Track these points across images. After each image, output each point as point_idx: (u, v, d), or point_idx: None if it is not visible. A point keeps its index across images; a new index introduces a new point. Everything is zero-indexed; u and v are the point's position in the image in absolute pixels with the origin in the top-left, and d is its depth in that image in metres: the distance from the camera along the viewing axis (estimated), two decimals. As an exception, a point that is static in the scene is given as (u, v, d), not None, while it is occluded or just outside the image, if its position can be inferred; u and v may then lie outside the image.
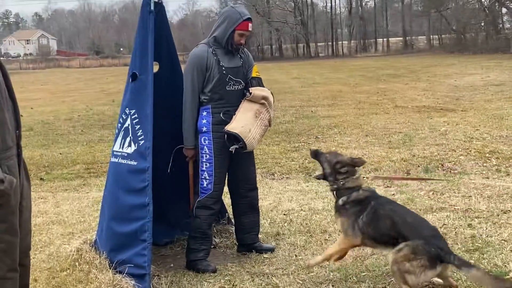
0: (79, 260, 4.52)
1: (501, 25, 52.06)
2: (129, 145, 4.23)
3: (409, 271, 3.62)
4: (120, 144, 4.32)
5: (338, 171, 4.10)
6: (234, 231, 5.11)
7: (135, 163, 4.18)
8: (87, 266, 4.40)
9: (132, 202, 4.18)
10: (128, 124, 4.28)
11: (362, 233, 3.95)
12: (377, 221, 3.90)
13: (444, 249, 3.67)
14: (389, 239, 3.82)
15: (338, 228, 4.48)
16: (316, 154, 4.29)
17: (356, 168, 4.16)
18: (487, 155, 8.31)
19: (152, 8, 4.30)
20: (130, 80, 4.34)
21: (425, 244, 3.64)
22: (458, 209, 5.81)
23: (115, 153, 4.37)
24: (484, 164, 7.80)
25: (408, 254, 3.64)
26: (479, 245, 4.77)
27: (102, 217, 4.60)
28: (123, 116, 4.34)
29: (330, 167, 4.14)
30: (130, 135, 4.25)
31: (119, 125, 4.38)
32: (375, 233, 3.91)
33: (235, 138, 4.33)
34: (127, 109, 4.31)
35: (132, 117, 4.26)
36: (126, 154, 4.25)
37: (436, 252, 3.62)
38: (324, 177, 4.21)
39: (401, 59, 46.15)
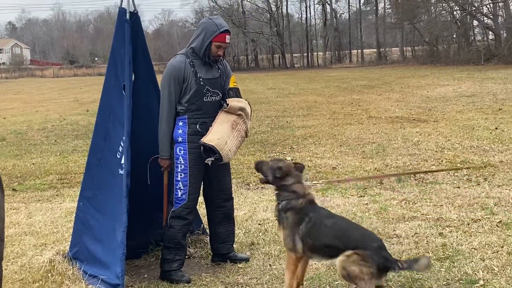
0: (52, 271, 4.50)
1: (472, 37, 52.98)
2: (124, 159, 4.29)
3: (359, 276, 3.67)
4: (124, 158, 4.33)
5: (277, 176, 4.09)
6: (209, 241, 5.11)
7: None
8: (60, 277, 4.38)
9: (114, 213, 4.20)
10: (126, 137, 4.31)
11: (303, 244, 3.93)
12: (318, 233, 3.89)
13: (389, 259, 3.75)
14: (335, 250, 3.80)
15: (280, 240, 4.44)
16: (258, 165, 4.26)
17: (299, 173, 4.16)
18: (458, 165, 8.46)
19: (127, 17, 4.33)
20: (124, 92, 4.34)
21: (374, 255, 3.69)
22: (429, 218, 5.91)
23: (123, 166, 4.36)
24: (455, 174, 7.94)
25: (357, 261, 3.68)
26: (449, 253, 4.85)
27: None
28: (127, 129, 4.33)
29: (271, 173, 4.12)
30: (125, 147, 4.30)
31: (125, 138, 4.34)
32: (316, 244, 3.89)
33: (211, 150, 4.35)
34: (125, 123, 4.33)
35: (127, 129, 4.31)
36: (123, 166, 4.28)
37: (383, 262, 3.70)
38: (267, 181, 4.19)
39: (375, 70, 46.65)
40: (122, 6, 4.42)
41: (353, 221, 5.84)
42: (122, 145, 4.35)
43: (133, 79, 4.65)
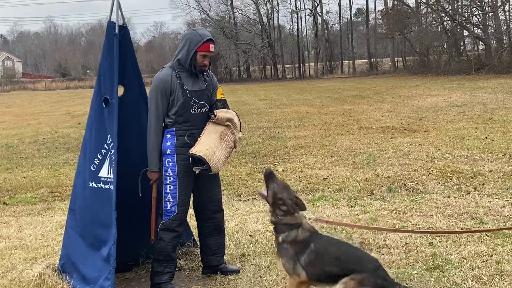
0: (42, 285, 4.49)
1: (463, 48, 53.33)
2: (109, 172, 4.28)
3: None
4: (108, 170, 4.33)
5: (279, 207, 3.98)
6: (199, 253, 5.12)
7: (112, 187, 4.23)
8: (50, 291, 4.36)
9: (102, 227, 4.21)
10: (109, 149, 4.32)
11: (306, 273, 3.85)
12: (320, 261, 3.84)
13: (388, 280, 3.71)
14: (334, 276, 3.75)
15: (280, 269, 4.41)
16: (268, 178, 4.07)
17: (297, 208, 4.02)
18: (448, 174, 8.51)
19: (116, 31, 4.36)
20: (104, 105, 4.36)
21: (371, 276, 3.64)
22: (419, 228, 5.93)
23: (102, 179, 4.37)
24: (446, 184, 7.98)
25: (355, 286, 3.63)
26: (439, 263, 4.88)
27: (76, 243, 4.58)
28: (107, 142, 4.35)
29: (272, 199, 4.00)
30: (109, 161, 4.29)
31: (103, 151, 4.37)
32: (319, 273, 3.83)
33: (199, 161, 4.37)
34: (109, 135, 4.34)
35: (108, 141, 4.31)
36: (112, 179, 4.27)
37: (381, 283, 3.65)
38: (267, 201, 4.06)
39: (366, 81, 46.87)
40: (112, 20, 4.46)
41: (343, 231, 5.92)
42: (99, 157, 4.37)
43: (122, 92, 4.68)
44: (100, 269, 4.13)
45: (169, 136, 4.55)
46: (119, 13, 4.49)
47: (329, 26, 78.36)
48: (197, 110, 4.60)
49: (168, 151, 4.54)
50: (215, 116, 4.58)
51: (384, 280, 3.69)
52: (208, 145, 4.43)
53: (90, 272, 4.20)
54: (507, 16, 49.12)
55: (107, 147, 4.37)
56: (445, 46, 53.37)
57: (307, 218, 4.04)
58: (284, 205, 3.96)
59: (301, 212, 4.02)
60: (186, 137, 4.53)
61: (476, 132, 12.70)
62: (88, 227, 4.43)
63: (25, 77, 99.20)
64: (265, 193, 4.04)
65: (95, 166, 4.43)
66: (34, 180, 10.18)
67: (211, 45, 4.57)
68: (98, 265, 4.15)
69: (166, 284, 4.59)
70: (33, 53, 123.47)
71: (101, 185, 4.38)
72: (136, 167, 4.73)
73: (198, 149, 4.39)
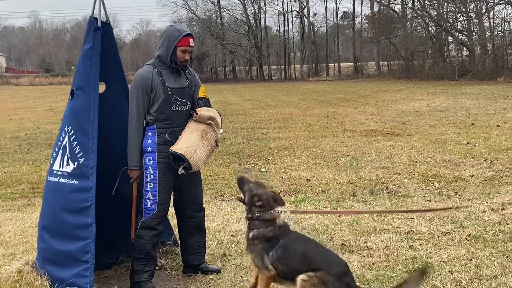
0: (20, 281, 4.42)
1: (447, 53, 53.79)
2: (67, 164, 4.20)
3: None
4: (60, 163, 4.27)
5: (254, 204, 4.02)
6: (180, 252, 5.09)
7: (76, 182, 4.15)
8: (28, 288, 4.31)
9: (74, 222, 4.14)
10: (66, 142, 4.24)
11: (274, 268, 3.87)
12: (287, 258, 3.85)
13: (351, 285, 3.68)
14: (300, 274, 3.73)
15: (249, 264, 4.42)
16: (240, 182, 4.17)
17: (275, 204, 4.06)
18: (430, 178, 8.57)
19: (98, 25, 4.30)
20: (70, 97, 4.33)
21: (335, 280, 3.62)
22: (400, 230, 5.96)
23: (55, 172, 4.32)
24: (427, 188, 8.04)
25: (317, 284, 3.62)
26: (419, 266, 4.91)
27: (40, 237, 4.52)
28: (62, 134, 4.30)
29: (248, 197, 4.06)
30: (68, 153, 4.22)
31: (59, 143, 4.34)
32: (286, 270, 3.84)
33: (180, 158, 4.35)
34: (66, 126, 4.28)
35: (69, 134, 4.23)
36: (66, 174, 4.21)
37: None
38: (243, 202, 4.13)
39: (351, 84, 47.05)
40: (94, 16, 4.40)
41: (325, 233, 5.94)
42: (56, 150, 4.33)
43: (104, 89, 4.64)
44: (77, 266, 4.08)
45: (150, 133, 4.52)
46: (102, 8, 4.44)
47: (316, 29, 78.54)
48: (178, 107, 4.57)
49: (149, 149, 4.51)
50: (197, 114, 4.56)
51: (348, 286, 3.65)
52: (189, 143, 4.41)
53: (66, 268, 4.15)
54: (492, 23, 49.65)
55: (62, 139, 4.30)
56: (429, 51, 53.85)
57: (283, 211, 4.05)
58: (259, 200, 4.00)
59: (278, 207, 4.04)
60: (167, 135, 4.51)
61: (458, 137, 12.80)
62: (53, 221, 4.36)
63: (8, 72, 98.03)
64: (242, 198, 4.12)
65: (52, 159, 4.39)
66: (15, 175, 10.07)
67: (191, 40, 4.55)
68: (75, 262, 4.10)
69: (146, 282, 4.56)
70: (17, 48, 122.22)
71: (53, 178, 4.33)
72: (117, 165, 4.68)
73: (178, 147, 4.37)
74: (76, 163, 4.17)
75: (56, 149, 4.36)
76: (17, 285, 4.39)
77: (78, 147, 4.17)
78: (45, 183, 4.53)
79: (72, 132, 4.22)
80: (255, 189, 4.07)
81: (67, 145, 4.24)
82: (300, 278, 3.70)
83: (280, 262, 3.86)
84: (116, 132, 4.75)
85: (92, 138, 4.13)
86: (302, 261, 3.79)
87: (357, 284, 3.90)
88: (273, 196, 4.07)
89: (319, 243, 4.22)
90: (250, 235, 4.02)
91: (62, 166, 4.24)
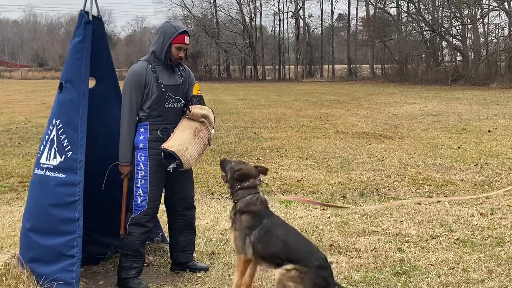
0: (6, 274, 4.39)
1: (441, 58, 53.99)
2: (55, 157, 4.17)
3: None
4: (47, 156, 4.24)
5: (235, 177, 4.16)
6: (168, 249, 5.08)
7: (63, 175, 4.12)
8: (14, 281, 4.28)
9: (60, 216, 4.11)
10: (54, 135, 4.21)
11: (253, 248, 3.95)
12: (269, 242, 3.89)
13: (329, 281, 3.69)
14: (278, 259, 3.80)
15: (231, 244, 4.51)
16: (223, 164, 4.36)
17: (258, 174, 4.23)
18: (420, 182, 8.60)
19: (89, 18, 4.28)
20: (58, 90, 4.30)
21: (313, 274, 3.63)
22: (389, 233, 5.98)
23: (41, 165, 4.29)
24: (417, 191, 8.06)
25: (295, 277, 3.64)
26: (406, 268, 4.92)
27: (23, 229, 4.50)
28: (50, 127, 4.28)
29: (230, 174, 4.20)
30: (55, 146, 4.19)
31: (46, 136, 4.31)
32: (265, 252, 3.90)
33: (171, 156, 4.33)
34: (54, 120, 4.26)
35: (58, 127, 4.20)
36: (52, 167, 4.18)
37: (322, 283, 3.64)
38: (226, 181, 4.27)
39: (345, 86, 47.12)
40: (86, 10, 4.37)
41: (314, 233, 5.94)
42: (44, 143, 4.31)
43: (94, 84, 4.61)
44: (62, 261, 4.06)
45: (142, 130, 4.51)
46: (94, 3, 4.41)
47: (311, 30, 78.60)
48: (171, 104, 4.56)
49: (141, 145, 4.49)
50: (190, 111, 4.55)
51: (325, 281, 3.67)
52: (181, 140, 4.40)
53: (51, 263, 4.12)
54: (486, 29, 49.90)
55: (49, 132, 4.27)
56: (423, 56, 53.99)
57: (270, 186, 4.19)
58: (240, 173, 4.15)
59: (261, 176, 4.23)
60: (159, 131, 4.49)
61: (449, 142, 12.85)
62: (38, 215, 4.34)
63: (1, 65, 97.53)
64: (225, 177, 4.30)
65: (39, 152, 4.37)
66: (5, 169, 10.02)
67: (186, 37, 4.53)
68: (60, 257, 4.08)
69: (133, 279, 4.55)
70: (10, 41, 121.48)
71: (39, 172, 4.31)
72: (105, 160, 4.67)
73: (170, 144, 4.36)
74: (63, 156, 4.14)
75: (44, 142, 4.33)
76: (3, 278, 4.36)
77: (66, 140, 4.14)
78: (32, 177, 4.50)
79: (61, 125, 4.19)
80: (236, 166, 4.22)
81: (55, 138, 4.21)
82: (278, 271, 3.74)
83: (261, 243, 3.92)
84: (105, 128, 4.73)
85: (81, 132, 4.11)
86: (283, 248, 3.83)
87: (338, 282, 3.93)
88: (253, 168, 4.23)
89: (300, 233, 4.25)
90: (238, 207, 4.10)
91: (49, 159, 4.21)
